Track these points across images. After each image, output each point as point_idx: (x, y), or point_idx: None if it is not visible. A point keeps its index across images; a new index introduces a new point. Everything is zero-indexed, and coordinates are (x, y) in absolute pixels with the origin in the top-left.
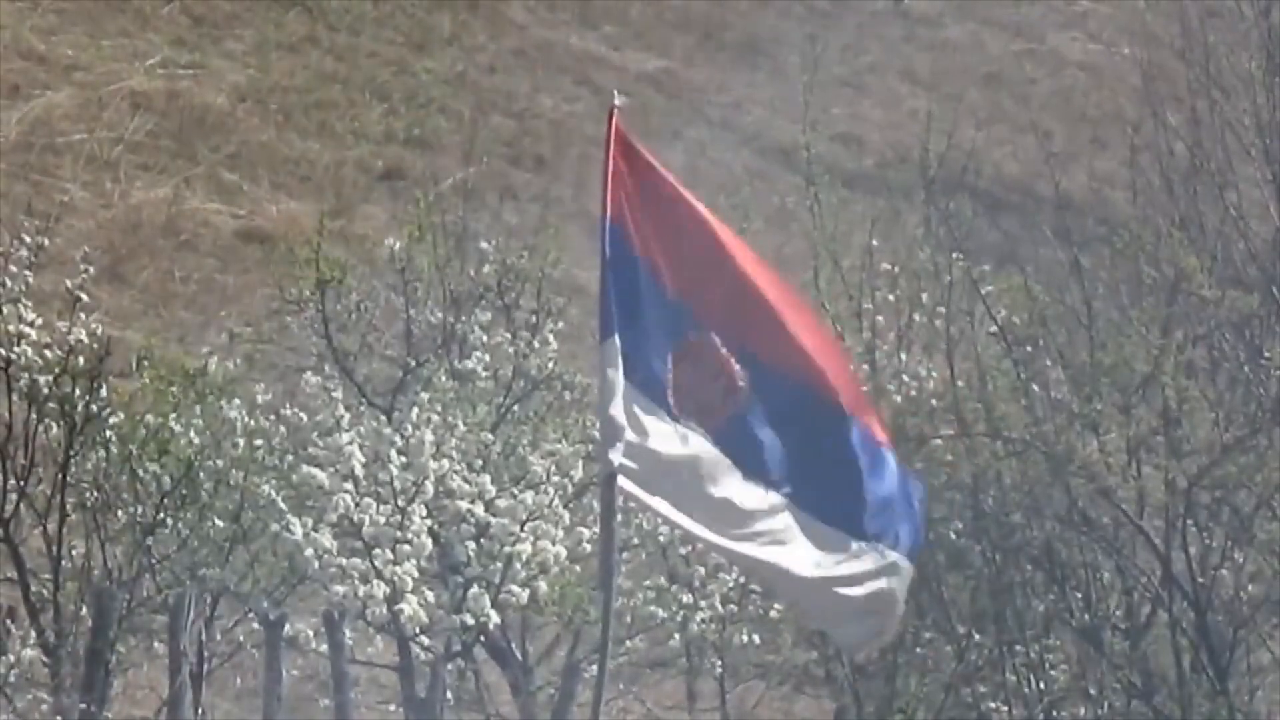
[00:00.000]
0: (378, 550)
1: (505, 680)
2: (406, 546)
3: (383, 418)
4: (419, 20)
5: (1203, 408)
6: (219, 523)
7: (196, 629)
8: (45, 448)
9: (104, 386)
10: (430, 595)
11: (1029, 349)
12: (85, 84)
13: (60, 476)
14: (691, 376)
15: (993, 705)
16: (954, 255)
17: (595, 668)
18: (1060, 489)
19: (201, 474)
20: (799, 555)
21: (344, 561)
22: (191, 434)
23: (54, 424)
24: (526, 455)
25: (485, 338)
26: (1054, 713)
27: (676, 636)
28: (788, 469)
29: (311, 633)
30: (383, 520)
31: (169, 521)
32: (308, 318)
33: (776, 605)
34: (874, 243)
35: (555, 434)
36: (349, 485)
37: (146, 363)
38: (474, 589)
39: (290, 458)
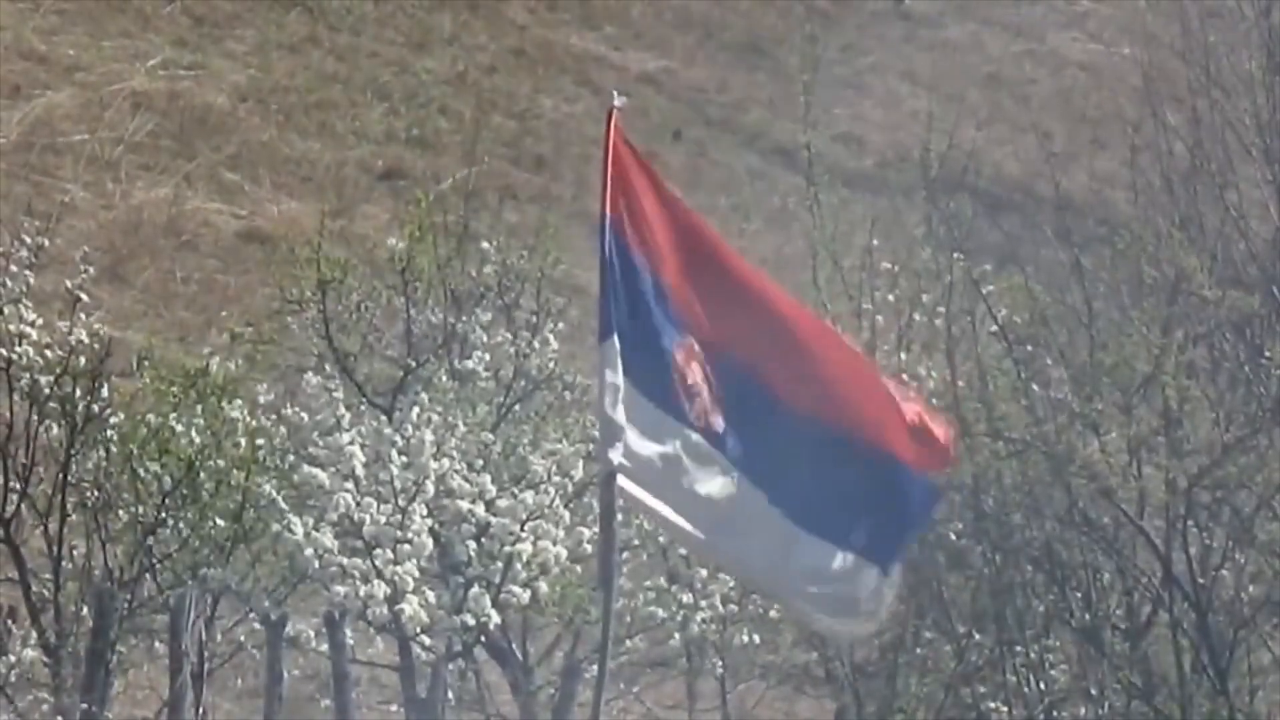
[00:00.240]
0: (378, 550)
1: (506, 680)
2: (407, 546)
3: (383, 417)
4: (420, 20)
5: (1203, 408)
6: (220, 522)
7: (197, 629)
8: (46, 448)
9: (105, 386)
10: (431, 595)
11: (1029, 349)
12: (86, 84)
13: (61, 476)
14: (692, 375)
15: (993, 705)
16: (954, 255)
17: (596, 668)
18: (1061, 489)
19: (202, 474)
20: (787, 559)
21: (345, 561)
22: (192, 434)
23: (55, 424)
24: (527, 455)
25: (485, 338)
26: (1054, 713)
27: (677, 636)
28: (771, 475)
29: (312, 633)
30: (383, 520)
31: (170, 521)
32: (308, 318)
33: (777, 605)
34: (874, 243)
35: (556, 434)
36: (350, 485)
37: (147, 363)
38: (475, 589)
39: (291, 457)
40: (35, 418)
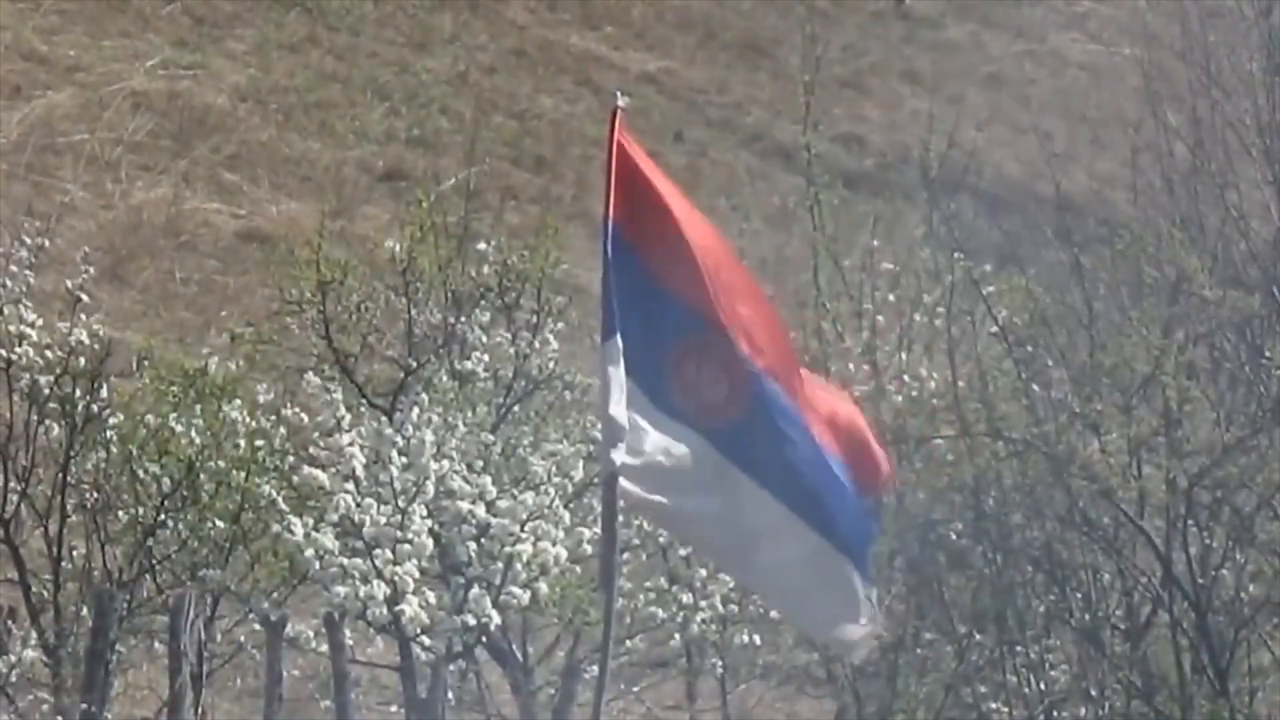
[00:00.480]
0: (378, 551)
1: (506, 681)
2: (407, 547)
3: (383, 418)
4: (420, 20)
5: (1204, 408)
6: (219, 523)
7: (197, 629)
8: (46, 448)
9: (105, 387)
10: (431, 596)
11: (1030, 349)
12: (86, 84)
13: (61, 477)
14: (694, 376)
15: (993, 706)
16: (955, 255)
17: (596, 668)
18: (1061, 489)
19: (202, 474)
20: (793, 562)
21: (345, 562)
22: (192, 434)
23: (55, 424)
24: (527, 456)
25: (485, 338)
26: (1054, 713)
27: (677, 637)
28: (784, 474)
29: (312, 633)
30: (383, 521)
31: (169, 522)
32: (308, 318)
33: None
34: (875, 243)
35: (556, 434)
36: (350, 486)
37: (147, 363)
38: (475, 590)
39: (291, 458)
40: (35, 418)
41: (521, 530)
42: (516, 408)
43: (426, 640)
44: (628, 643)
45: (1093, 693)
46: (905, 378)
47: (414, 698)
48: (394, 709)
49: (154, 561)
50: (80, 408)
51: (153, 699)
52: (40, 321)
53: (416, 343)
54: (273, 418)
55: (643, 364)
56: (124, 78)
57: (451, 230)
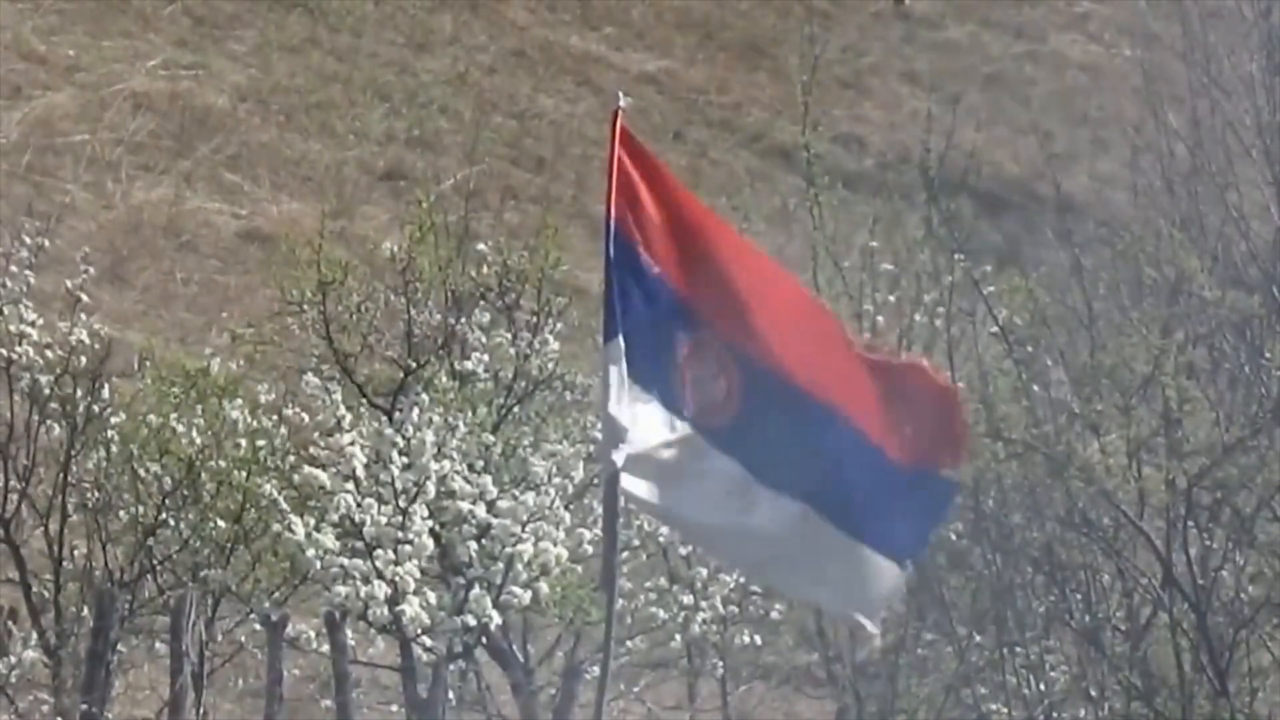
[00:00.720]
0: (379, 551)
1: (507, 681)
2: (408, 547)
3: (384, 418)
4: (420, 21)
5: (1203, 408)
6: (220, 523)
7: (198, 629)
8: (46, 448)
9: (105, 387)
10: (432, 596)
11: (1030, 350)
12: (86, 85)
13: (61, 477)
14: (697, 375)
15: (993, 706)
16: (955, 256)
17: (597, 668)
18: (1061, 490)
19: (203, 474)
20: (801, 556)
21: (345, 562)
22: (193, 434)
23: (55, 424)
24: (528, 456)
25: (485, 338)
26: (1055, 714)
27: (678, 637)
28: (788, 470)
29: (313, 633)
30: (384, 521)
31: (170, 522)
32: (309, 318)
33: (778, 606)
34: (874, 244)
35: (556, 435)
36: (350, 486)
37: (148, 363)
38: (476, 590)
39: (292, 458)
40: (36, 418)
41: (522, 530)
42: (517, 408)
43: (427, 640)
44: (628, 643)
45: (1093, 693)
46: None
47: (414, 698)
48: (394, 709)
49: (155, 561)
50: (81, 408)
51: (154, 699)
52: (41, 321)
53: (416, 343)
54: (273, 418)
55: (644, 364)
56: (124, 78)
57: (451, 230)
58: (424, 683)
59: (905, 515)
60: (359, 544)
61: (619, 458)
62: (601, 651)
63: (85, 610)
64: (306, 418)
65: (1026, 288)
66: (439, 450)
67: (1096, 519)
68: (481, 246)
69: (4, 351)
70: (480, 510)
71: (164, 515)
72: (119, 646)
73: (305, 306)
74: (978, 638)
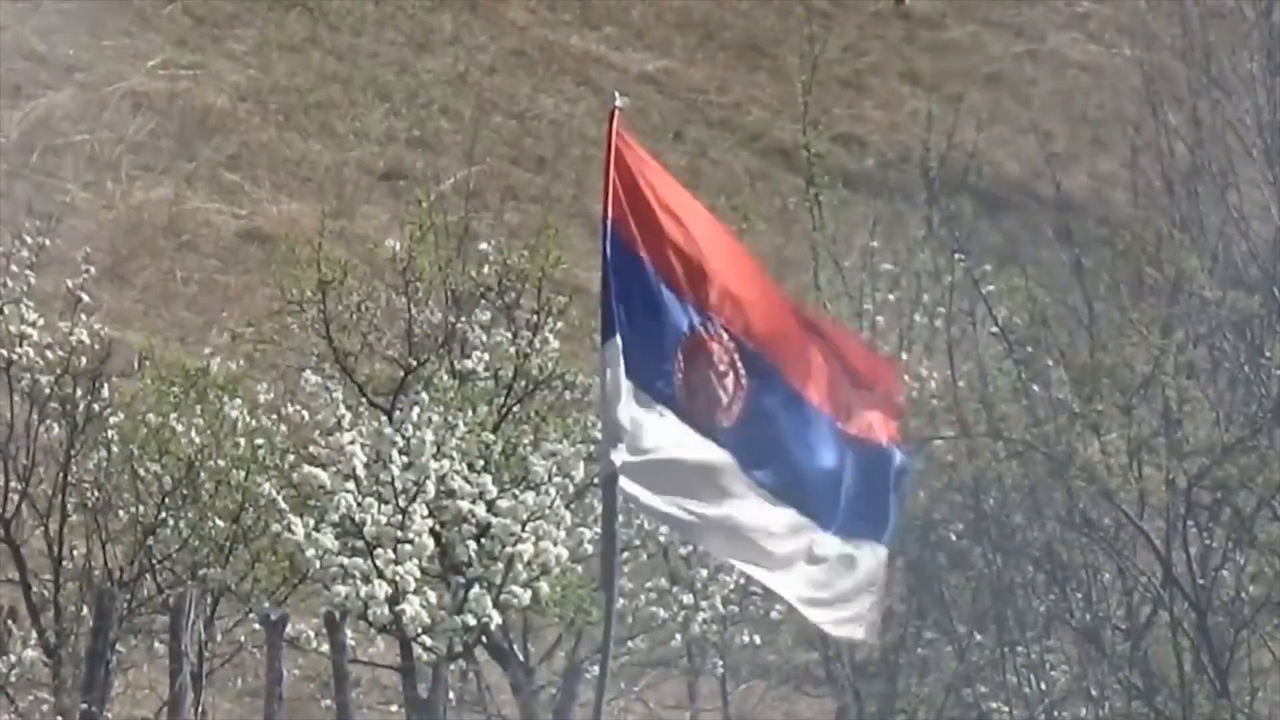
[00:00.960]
0: (379, 550)
1: (507, 681)
2: (408, 546)
3: (384, 418)
4: (420, 21)
5: (1203, 408)
6: (220, 522)
7: (197, 629)
8: (46, 448)
9: (105, 387)
10: (432, 596)
11: (1030, 350)
12: (86, 84)
13: (61, 476)
14: (698, 374)
15: (993, 706)
16: (955, 256)
17: (597, 668)
18: (1061, 490)
19: (203, 474)
20: (797, 557)
21: (345, 561)
22: (193, 434)
23: (55, 424)
24: (528, 455)
25: (485, 338)
26: (1055, 713)
27: (678, 637)
28: (788, 469)
29: (313, 633)
30: (384, 520)
31: (170, 521)
32: (309, 318)
33: (778, 606)
34: (874, 243)
35: (556, 434)
36: (350, 485)
37: (148, 363)
38: (475, 589)
39: (291, 457)
40: (36, 418)
41: (522, 530)
42: (517, 407)
43: (427, 640)
44: (629, 643)
45: (1093, 693)
46: (905, 378)
47: (415, 698)
48: (394, 709)
49: (154, 561)
50: (81, 407)
51: (153, 699)
52: (41, 321)
53: (416, 342)
54: (273, 417)
55: (643, 364)
56: (124, 78)
57: (451, 230)
58: (424, 682)
59: (873, 495)
60: (359, 543)
61: (618, 458)
62: (601, 651)
63: (85, 610)
64: (306, 417)
65: (1026, 288)
66: (439, 449)
67: (1097, 519)
68: (482, 246)
69: (4, 351)
70: (480, 510)
71: (163, 515)
72: (118, 646)
73: (305, 306)
74: (978, 637)
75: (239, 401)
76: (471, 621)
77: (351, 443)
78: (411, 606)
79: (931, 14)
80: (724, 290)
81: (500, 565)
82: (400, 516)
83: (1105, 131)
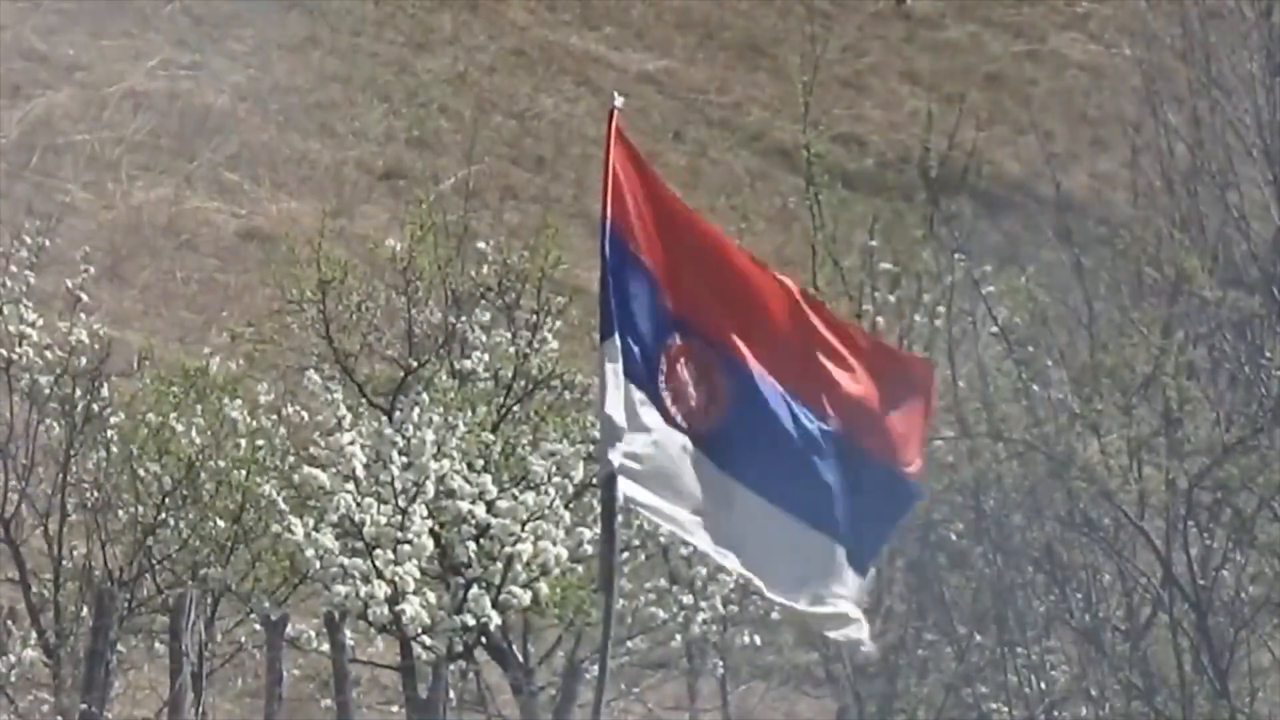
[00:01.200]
0: (379, 550)
1: (506, 681)
2: (408, 547)
3: (384, 418)
4: (420, 20)
5: (1204, 408)
6: (220, 523)
7: (198, 629)
8: (46, 448)
9: (105, 386)
10: (432, 596)
11: (1030, 350)
12: (86, 84)
13: (61, 476)
14: (681, 379)
15: (994, 706)
16: (955, 256)
17: (596, 668)
18: (1061, 490)
19: (203, 474)
20: (785, 560)
21: (345, 562)
22: (192, 434)
23: (55, 424)
24: (527, 456)
25: (485, 338)
26: (1055, 713)
27: (678, 637)
28: (772, 475)
29: (313, 633)
30: (384, 520)
31: (170, 521)
32: (309, 318)
33: (777, 608)
34: (874, 243)
35: (556, 434)
36: (350, 485)
37: (147, 363)
38: (475, 589)
39: (291, 458)
40: (35, 418)
41: (522, 530)
42: (517, 407)
43: (427, 640)
44: (628, 643)
45: (1093, 693)
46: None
47: (414, 698)
48: (394, 709)
49: (154, 561)
50: (80, 407)
51: (153, 699)
52: (41, 321)
53: (416, 342)
54: (273, 417)
55: (640, 364)
56: (124, 78)
57: (451, 230)
58: (424, 682)
59: (872, 517)
60: (359, 544)
61: (616, 457)
62: (600, 651)
63: (85, 609)
64: (306, 417)
65: (1026, 288)
66: (439, 450)
67: (1097, 519)
68: (481, 246)
69: (4, 351)
70: (480, 510)
71: (163, 515)
72: (118, 646)
73: (305, 306)
74: (978, 637)
75: (239, 402)
76: (471, 622)
77: (351, 443)
78: (411, 606)
79: (931, 14)
80: (710, 298)
81: (500, 565)
82: (400, 517)
83: (1105, 131)
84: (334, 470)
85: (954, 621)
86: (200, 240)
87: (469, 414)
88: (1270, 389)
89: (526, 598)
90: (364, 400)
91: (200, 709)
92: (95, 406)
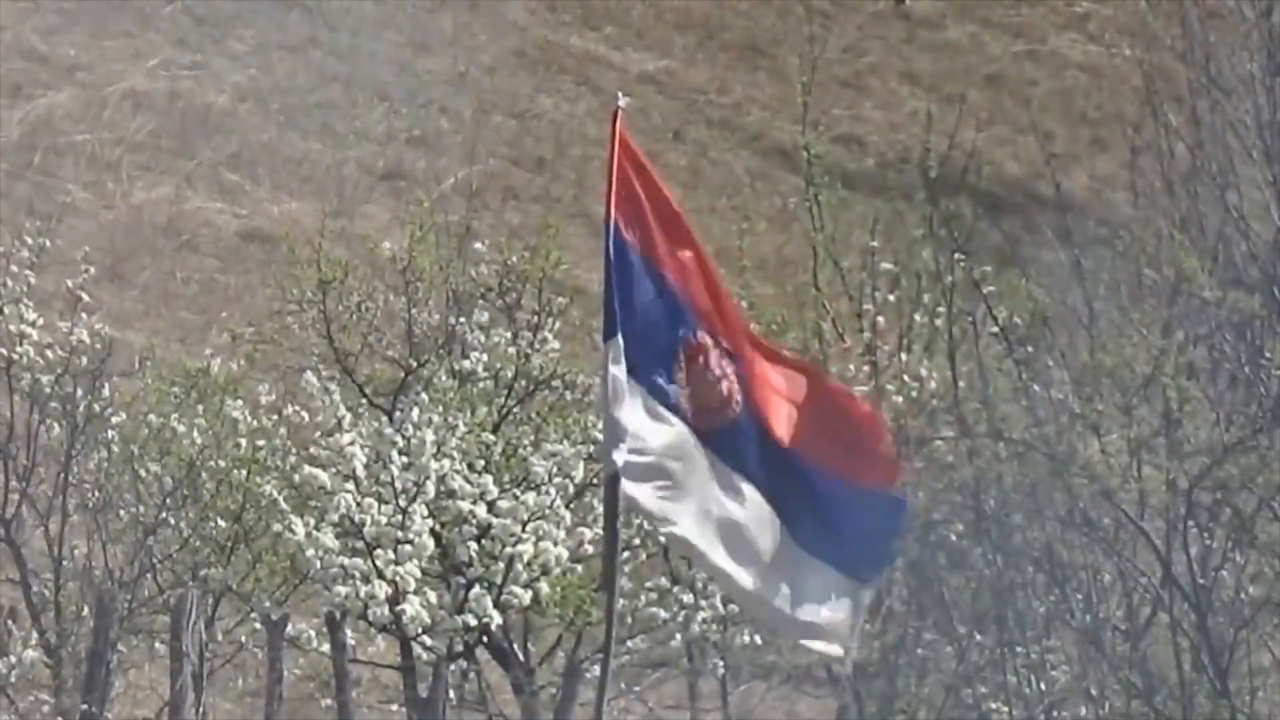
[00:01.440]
0: (379, 550)
1: (507, 681)
2: (408, 547)
3: (384, 418)
4: (420, 20)
5: (1204, 409)
6: (221, 523)
7: (198, 629)
8: (47, 448)
9: (106, 387)
10: (432, 596)
11: (1030, 350)
12: (87, 84)
13: (62, 477)
14: (694, 377)
15: (993, 706)
16: (955, 256)
17: (597, 668)
18: (1061, 490)
19: (203, 474)
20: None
21: (346, 562)
22: (193, 434)
23: (56, 424)
24: (528, 456)
25: (485, 338)
26: (1055, 713)
27: (678, 637)
28: (771, 483)
29: (313, 633)
30: (384, 520)
31: (171, 521)
32: (309, 318)
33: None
34: (874, 243)
35: (557, 434)
36: (351, 485)
37: (148, 363)
38: (476, 589)
39: (292, 458)
40: (36, 418)
41: (522, 530)
42: (517, 408)
43: (428, 640)
44: (629, 643)
45: (1093, 693)
46: (905, 378)
47: (415, 697)
48: (395, 708)
49: (155, 561)
50: (81, 407)
51: (154, 699)
52: (41, 321)
53: (416, 342)
54: (274, 417)
55: (644, 363)
56: (124, 78)
57: (452, 230)
58: (424, 682)
59: (864, 536)
60: (359, 544)
61: (619, 458)
62: (602, 651)
63: (85, 610)
64: (306, 417)
65: (1026, 288)
66: (439, 450)
67: (1097, 519)
68: (481, 246)
69: (4, 351)
70: (480, 510)
71: (164, 515)
72: (119, 646)
73: (305, 306)
74: (978, 637)
75: (240, 402)
76: (472, 621)
77: (351, 443)
78: (412, 606)
79: (931, 14)
80: (714, 301)
81: (500, 565)
82: (400, 517)
83: (1105, 132)
84: (334, 470)
85: (954, 621)
86: (200, 240)
87: (469, 414)
88: (1270, 389)
89: (527, 597)
90: (364, 400)
91: (201, 709)
92: (96, 407)
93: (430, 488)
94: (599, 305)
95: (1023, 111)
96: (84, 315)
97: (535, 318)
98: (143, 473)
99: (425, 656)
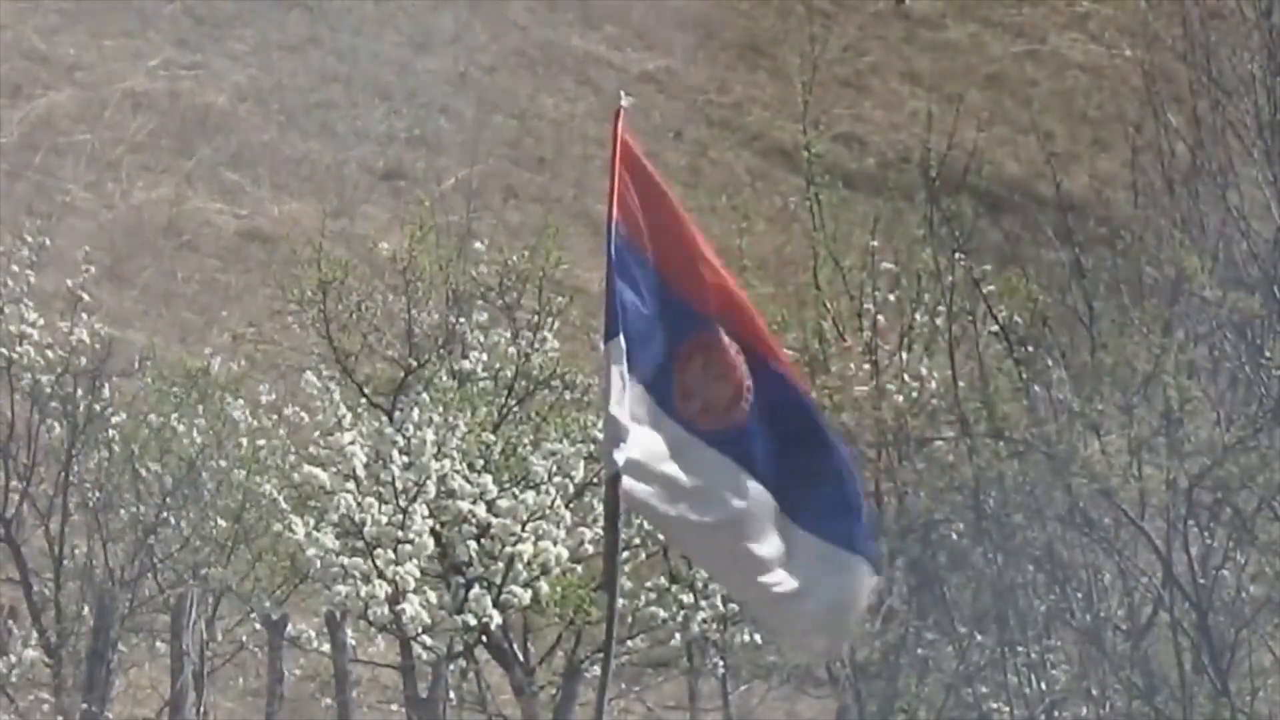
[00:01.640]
0: (379, 550)
1: (507, 680)
2: (408, 546)
3: (384, 418)
4: (420, 20)
5: (1204, 408)
6: (221, 522)
7: (198, 628)
8: (47, 447)
9: (106, 386)
10: (432, 595)
11: (1030, 349)
12: (87, 84)
13: (62, 476)
14: (697, 377)
15: (994, 705)
16: (955, 255)
17: (597, 668)
18: (1061, 489)
19: (204, 474)
20: (779, 565)
21: (346, 561)
22: (194, 434)
23: (56, 424)
24: (528, 455)
25: (485, 338)
26: (1055, 713)
27: (678, 637)
28: (788, 477)
29: (313, 632)
30: (384, 520)
31: (171, 521)
32: (309, 318)
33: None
34: (875, 243)
35: (556, 434)
36: (351, 485)
37: (149, 362)
38: (476, 589)
39: (292, 457)
40: (37, 417)
41: (522, 530)
42: (517, 407)
43: (427, 640)
44: (629, 642)
45: (1093, 692)
46: (906, 377)
47: (415, 697)
48: (395, 708)
49: (155, 560)
50: (82, 407)
51: (154, 698)
52: (41, 321)
53: (416, 342)
54: (274, 417)
55: (645, 363)
56: (124, 77)
57: (452, 230)
58: (424, 682)
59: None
60: (359, 543)
61: (620, 458)
62: (602, 651)
63: (86, 609)
64: (306, 417)
65: (1026, 288)
66: (439, 449)
67: (1097, 518)
68: (481, 246)
69: (4, 351)
70: (480, 510)
71: (164, 514)
72: (119, 645)
73: (305, 306)
74: (979, 637)
75: (240, 401)
76: (472, 621)
77: (352, 443)
78: (411, 606)
79: (931, 14)
80: (721, 296)
81: (500, 565)
82: (400, 516)
83: (1105, 131)
84: (334, 470)
85: (954, 621)
86: (201, 240)
87: (469, 414)
88: (1270, 389)
89: (527, 597)
90: (364, 400)
91: (201, 708)
92: (96, 406)
93: (430, 487)
94: (599, 305)
95: (1023, 111)
96: (84, 315)
97: (535, 317)
98: (143, 472)
99: (425, 656)
